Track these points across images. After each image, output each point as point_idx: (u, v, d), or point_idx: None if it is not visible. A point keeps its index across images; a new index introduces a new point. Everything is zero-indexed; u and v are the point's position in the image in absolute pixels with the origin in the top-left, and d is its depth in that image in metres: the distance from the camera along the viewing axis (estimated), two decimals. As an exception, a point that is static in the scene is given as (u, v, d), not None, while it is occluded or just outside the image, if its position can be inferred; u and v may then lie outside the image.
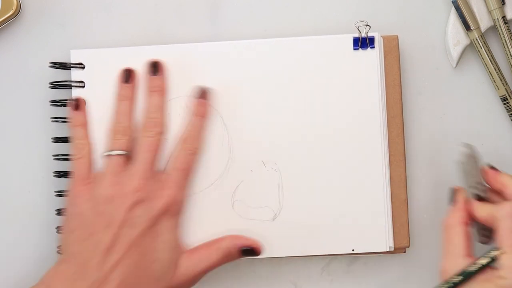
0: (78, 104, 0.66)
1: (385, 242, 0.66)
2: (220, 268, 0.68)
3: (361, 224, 0.66)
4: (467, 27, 0.68)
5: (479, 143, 0.69)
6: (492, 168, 0.64)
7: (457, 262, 0.61)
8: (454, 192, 0.64)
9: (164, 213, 0.64)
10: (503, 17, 0.68)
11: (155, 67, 0.66)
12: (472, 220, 0.63)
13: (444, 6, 0.70)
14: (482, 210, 0.62)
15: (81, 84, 0.67)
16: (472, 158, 0.63)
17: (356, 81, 0.66)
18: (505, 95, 0.68)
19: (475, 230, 0.64)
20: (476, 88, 0.70)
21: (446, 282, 0.60)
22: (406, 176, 0.68)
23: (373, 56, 0.67)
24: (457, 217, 0.63)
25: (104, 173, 0.64)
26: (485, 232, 0.63)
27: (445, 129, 0.70)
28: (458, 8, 0.68)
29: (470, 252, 0.61)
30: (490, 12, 0.68)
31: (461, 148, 0.64)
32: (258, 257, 0.66)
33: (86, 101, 0.67)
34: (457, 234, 0.62)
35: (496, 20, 0.68)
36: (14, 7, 0.68)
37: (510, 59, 0.68)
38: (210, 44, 0.67)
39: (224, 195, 0.66)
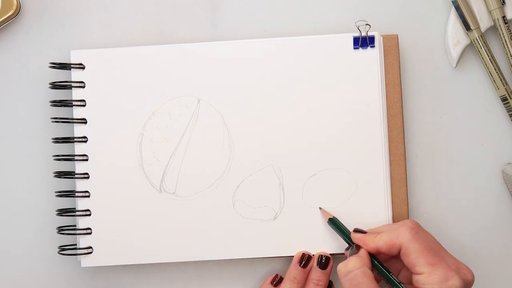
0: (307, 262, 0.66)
1: (386, 242, 0.66)
2: (220, 268, 0.68)
3: (362, 223, 0.66)
4: (467, 27, 0.68)
5: (479, 143, 0.69)
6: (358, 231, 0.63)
7: None
8: (356, 247, 0.62)
9: None
10: (503, 17, 0.68)
11: (326, 264, 0.66)
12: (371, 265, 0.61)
13: (444, 6, 0.70)
14: (381, 240, 0.61)
15: (81, 85, 0.67)
16: None
17: (356, 80, 0.67)
18: (505, 95, 0.68)
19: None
20: (476, 88, 0.70)
21: None
22: (406, 176, 0.68)
23: (373, 55, 0.67)
24: (358, 262, 0.60)
25: None
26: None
27: (445, 129, 0.70)
28: (458, 8, 0.68)
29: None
30: (490, 12, 0.68)
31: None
32: (258, 257, 0.66)
33: (86, 102, 0.67)
34: (362, 276, 0.59)
35: (496, 20, 0.68)
36: (14, 7, 0.68)
37: (510, 59, 0.68)
38: (210, 44, 0.67)
39: (225, 194, 0.66)
